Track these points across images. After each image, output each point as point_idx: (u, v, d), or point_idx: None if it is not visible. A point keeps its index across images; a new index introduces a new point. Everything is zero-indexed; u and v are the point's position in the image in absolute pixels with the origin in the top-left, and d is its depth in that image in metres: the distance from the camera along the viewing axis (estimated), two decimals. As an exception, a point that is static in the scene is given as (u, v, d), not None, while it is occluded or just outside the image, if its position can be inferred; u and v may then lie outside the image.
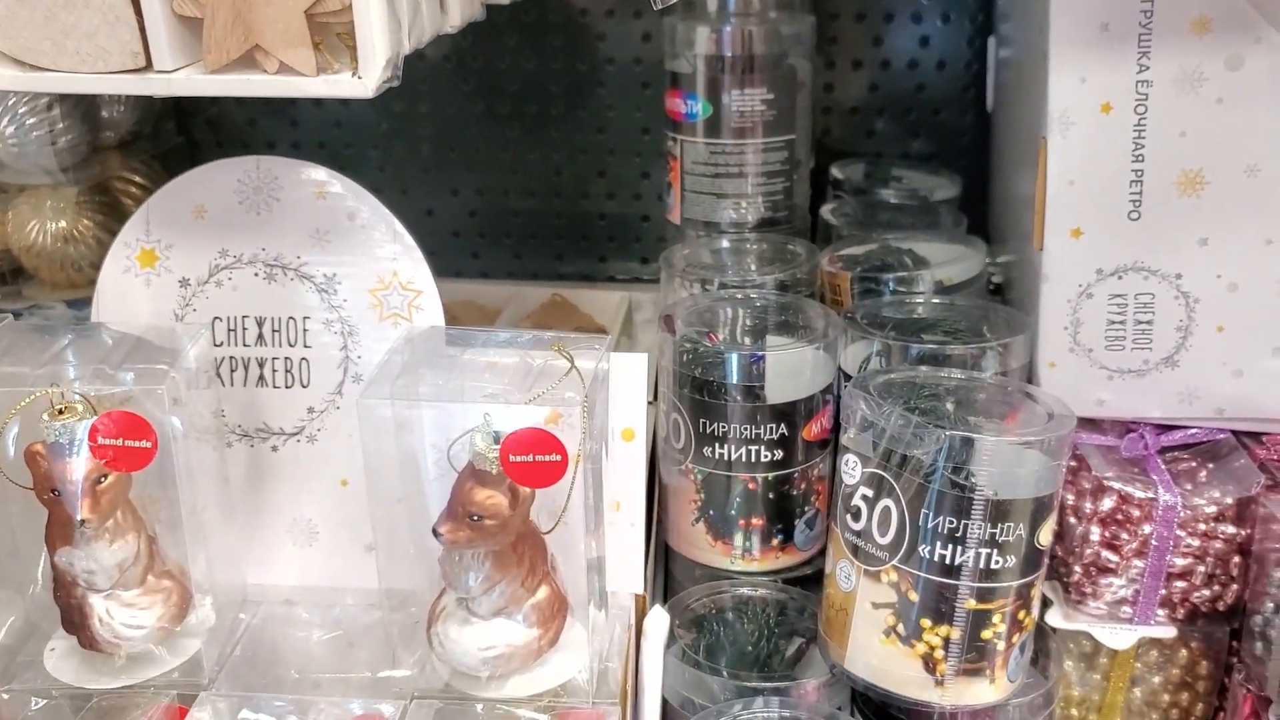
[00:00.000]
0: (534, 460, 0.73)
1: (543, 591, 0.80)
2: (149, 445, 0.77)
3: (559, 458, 0.74)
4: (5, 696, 0.83)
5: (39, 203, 1.20)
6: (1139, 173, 0.90)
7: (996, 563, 0.81)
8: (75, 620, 0.82)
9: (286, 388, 0.90)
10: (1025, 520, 0.81)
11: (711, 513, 0.99)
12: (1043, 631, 0.94)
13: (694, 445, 0.97)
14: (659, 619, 0.86)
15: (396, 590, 0.83)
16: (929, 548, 0.81)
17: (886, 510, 0.83)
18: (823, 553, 0.97)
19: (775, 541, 0.99)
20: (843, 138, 1.37)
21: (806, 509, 0.99)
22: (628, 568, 0.88)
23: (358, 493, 0.89)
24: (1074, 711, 1.00)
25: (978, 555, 0.81)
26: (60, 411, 0.78)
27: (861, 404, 0.85)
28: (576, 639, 0.83)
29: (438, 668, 0.81)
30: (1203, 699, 0.98)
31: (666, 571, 1.06)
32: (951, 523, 0.80)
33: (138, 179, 1.27)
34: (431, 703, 0.79)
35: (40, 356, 0.82)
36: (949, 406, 0.87)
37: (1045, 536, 0.83)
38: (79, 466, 0.77)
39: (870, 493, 0.84)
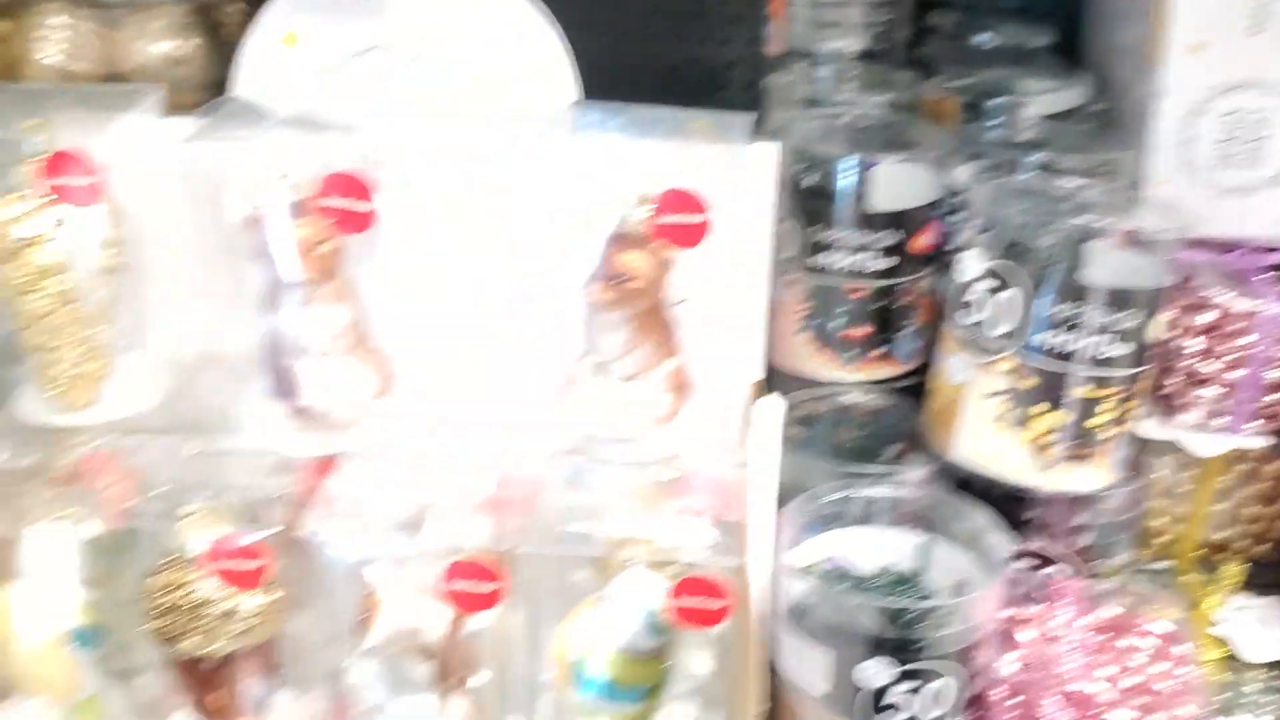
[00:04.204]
0: (680, 221, 0.77)
1: (673, 362, 0.83)
2: (368, 209, 0.79)
3: (702, 219, 0.77)
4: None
5: (146, 23, 1.22)
6: (1262, -15, 0.92)
7: (1107, 351, 0.84)
8: (284, 388, 0.84)
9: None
10: (1137, 311, 0.84)
11: (817, 322, 1.02)
12: (1137, 440, 0.97)
13: (803, 254, 1.00)
14: (774, 403, 0.89)
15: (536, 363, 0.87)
16: (1044, 336, 0.85)
17: (1002, 303, 0.86)
18: (923, 369, 1.00)
19: (878, 352, 1.02)
20: (938, -11, 1.38)
21: (910, 322, 1.02)
22: (748, 355, 0.92)
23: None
24: (1161, 521, 1.03)
25: (1091, 343, 0.84)
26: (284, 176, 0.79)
27: (983, 201, 0.88)
28: (700, 412, 0.86)
29: (576, 427, 0.85)
30: (1288, 512, 1.02)
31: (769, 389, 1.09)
32: (1068, 311, 0.84)
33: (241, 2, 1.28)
34: (570, 456, 0.83)
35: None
36: (1065, 207, 0.89)
37: (1155, 330, 0.86)
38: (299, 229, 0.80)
39: (987, 287, 0.87)
